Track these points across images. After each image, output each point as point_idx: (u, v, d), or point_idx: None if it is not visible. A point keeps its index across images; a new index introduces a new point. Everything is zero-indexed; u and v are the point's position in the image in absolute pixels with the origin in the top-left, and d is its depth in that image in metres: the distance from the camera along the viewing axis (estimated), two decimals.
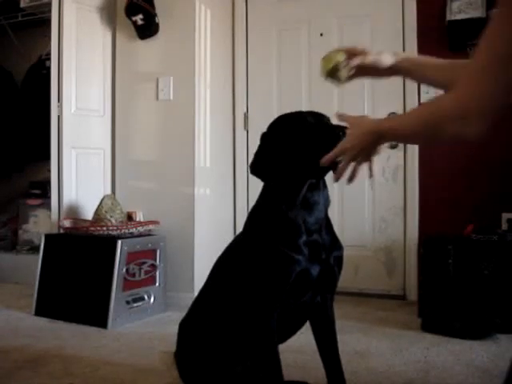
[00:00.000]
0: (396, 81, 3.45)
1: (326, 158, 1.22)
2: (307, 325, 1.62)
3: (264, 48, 3.66)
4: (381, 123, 1.08)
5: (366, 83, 3.39)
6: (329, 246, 1.50)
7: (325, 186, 1.51)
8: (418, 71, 1.33)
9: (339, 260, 1.53)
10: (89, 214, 3.16)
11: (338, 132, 1.33)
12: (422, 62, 1.34)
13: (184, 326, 1.68)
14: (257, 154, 1.53)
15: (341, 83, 1.35)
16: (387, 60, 1.33)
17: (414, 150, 3.29)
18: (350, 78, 1.38)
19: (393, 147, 3.34)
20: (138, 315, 2.83)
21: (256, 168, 1.51)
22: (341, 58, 1.32)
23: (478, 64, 0.88)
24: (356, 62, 1.32)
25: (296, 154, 1.44)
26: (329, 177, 1.36)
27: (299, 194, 1.45)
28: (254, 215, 1.57)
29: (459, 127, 0.88)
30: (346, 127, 1.28)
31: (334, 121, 1.41)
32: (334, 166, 1.26)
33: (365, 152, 1.13)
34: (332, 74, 1.33)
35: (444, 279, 2.53)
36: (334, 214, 3.34)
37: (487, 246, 2.47)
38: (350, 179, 1.17)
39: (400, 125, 1.03)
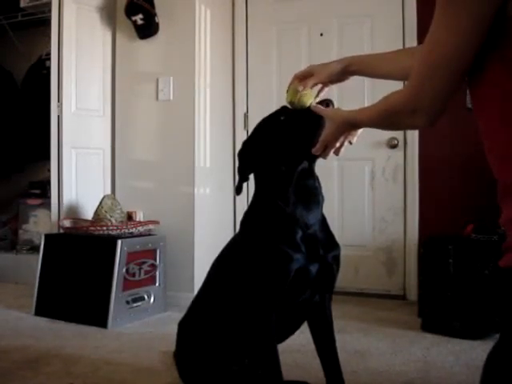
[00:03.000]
0: (396, 81, 3.46)
1: (317, 148, 1.35)
2: (308, 324, 1.62)
3: (264, 48, 3.66)
4: (352, 116, 1.23)
5: (366, 83, 3.39)
6: (326, 244, 1.50)
7: (319, 183, 1.52)
8: (368, 70, 1.46)
9: (337, 259, 1.53)
10: (89, 214, 3.16)
11: (323, 104, 1.44)
12: (372, 61, 1.46)
13: (183, 325, 1.69)
14: (246, 143, 1.59)
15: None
16: (336, 69, 1.48)
17: (413, 149, 3.29)
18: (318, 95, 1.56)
19: (393, 147, 3.34)
20: (138, 315, 2.83)
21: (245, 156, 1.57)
22: (293, 97, 1.48)
23: (424, 63, 0.95)
24: (310, 84, 1.48)
25: (284, 142, 1.47)
26: (323, 177, 1.38)
27: (291, 184, 1.46)
28: (250, 213, 1.58)
29: (410, 120, 1.00)
30: (329, 99, 1.46)
31: None
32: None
33: (345, 136, 1.35)
34: (290, 104, 1.51)
35: (444, 279, 2.53)
36: (333, 213, 3.35)
37: (487, 246, 2.47)
38: (337, 154, 1.39)
39: (365, 117, 1.18)
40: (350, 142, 1.39)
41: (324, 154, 1.37)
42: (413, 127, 1.07)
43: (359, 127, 1.29)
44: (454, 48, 0.89)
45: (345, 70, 1.48)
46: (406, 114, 1.00)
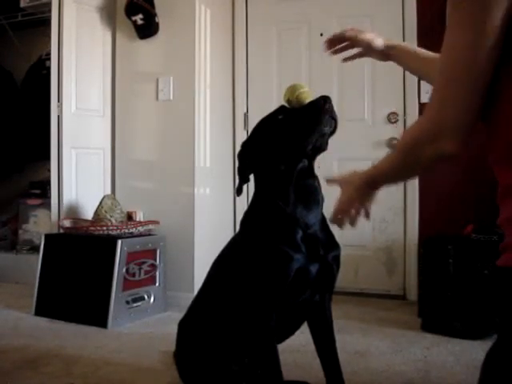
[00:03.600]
0: (396, 81, 3.45)
1: (333, 217, 1.20)
2: (308, 324, 1.62)
3: (264, 48, 3.66)
4: (367, 172, 1.09)
5: (366, 83, 3.40)
6: (326, 244, 1.50)
7: (318, 183, 1.52)
8: (404, 60, 1.42)
9: (337, 259, 1.53)
10: (89, 214, 3.16)
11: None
12: (409, 52, 1.41)
13: (183, 325, 1.69)
14: (245, 144, 1.60)
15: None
16: (379, 42, 1.44)
17: None
18: (352, 58, 1.53)
19: (393, 147, 3.34)
20: (138, 315, 2.83)
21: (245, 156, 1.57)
22: (291, 95, 1.48)
23: (443, 80, 0.87)
24: (351, 33, 1.45)
25: (282, 140, 1.47)
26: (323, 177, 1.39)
27: (291, 183, 1.46)
28: (251, 213, 1.58)
29: (436, 148, 0.87)
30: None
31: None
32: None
33: (361, 202, 1.15)
34: (288, 103, 1.51)
35: (444, 279, 2.53)
36: None
37: (487, 246, 2.47)
38: (352, 225, 1.19)
39: (383, 165, 1.03)
40: (367, 215, 1.18)
41: (339, 222, 1.19)
42: (439, 157, 0.88)
43: (379, 183, 1.10)
44: (473, 53, 0.82)
45: (385, 51, 1.44)
46: (429, 142, 0.87)
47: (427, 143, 0.88)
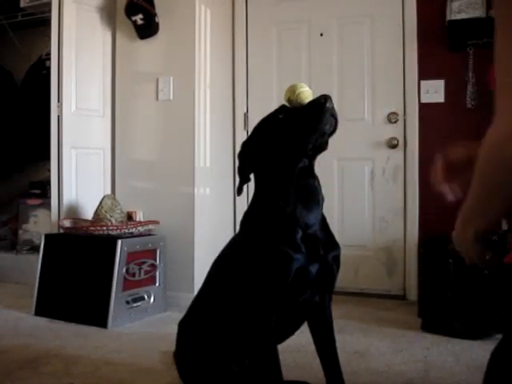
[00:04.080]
0: (396, 81, 3.45)
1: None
2: (308, 325, 1.62)
3: (264, 48, 3.66)
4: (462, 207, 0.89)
5: (366, 83, 3.39)
6: (326, 244, 1.50)
7: (318, 183, 1.52)
8: None
9: (337, 259, 1.53)
10: (89, 214, 3.16)
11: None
12: None
13: (183, 325, 1.69)
14: (245, 144, 1.59)
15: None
16: None
17: (413, 149, 3.29)
18: None
19: (393, 147, 3.34)
20: (138, 315, 2.83)
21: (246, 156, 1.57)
22: (291, 95, 1.48)
23: (502, 79, 0.74)
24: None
25: (283, 139, 1.47)
26: (323, 177, 1.40)
27: (291, 183, 1.46)
28: (251, 213, 1.58)
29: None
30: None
31: None
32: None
33: (476, 248, 0.96)
34: (289, 103, 1.52)
35: (444, 279, 2.53)
36: (333, 213, 3.35)
37: (487, 246, 2.47)
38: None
39: (470, 191, 0.87)
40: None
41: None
42: None
43: (476, 218, 0.90)
44: None
45: None
46: (503, 145, 0.72)
47: (505, 141, 0.72)
